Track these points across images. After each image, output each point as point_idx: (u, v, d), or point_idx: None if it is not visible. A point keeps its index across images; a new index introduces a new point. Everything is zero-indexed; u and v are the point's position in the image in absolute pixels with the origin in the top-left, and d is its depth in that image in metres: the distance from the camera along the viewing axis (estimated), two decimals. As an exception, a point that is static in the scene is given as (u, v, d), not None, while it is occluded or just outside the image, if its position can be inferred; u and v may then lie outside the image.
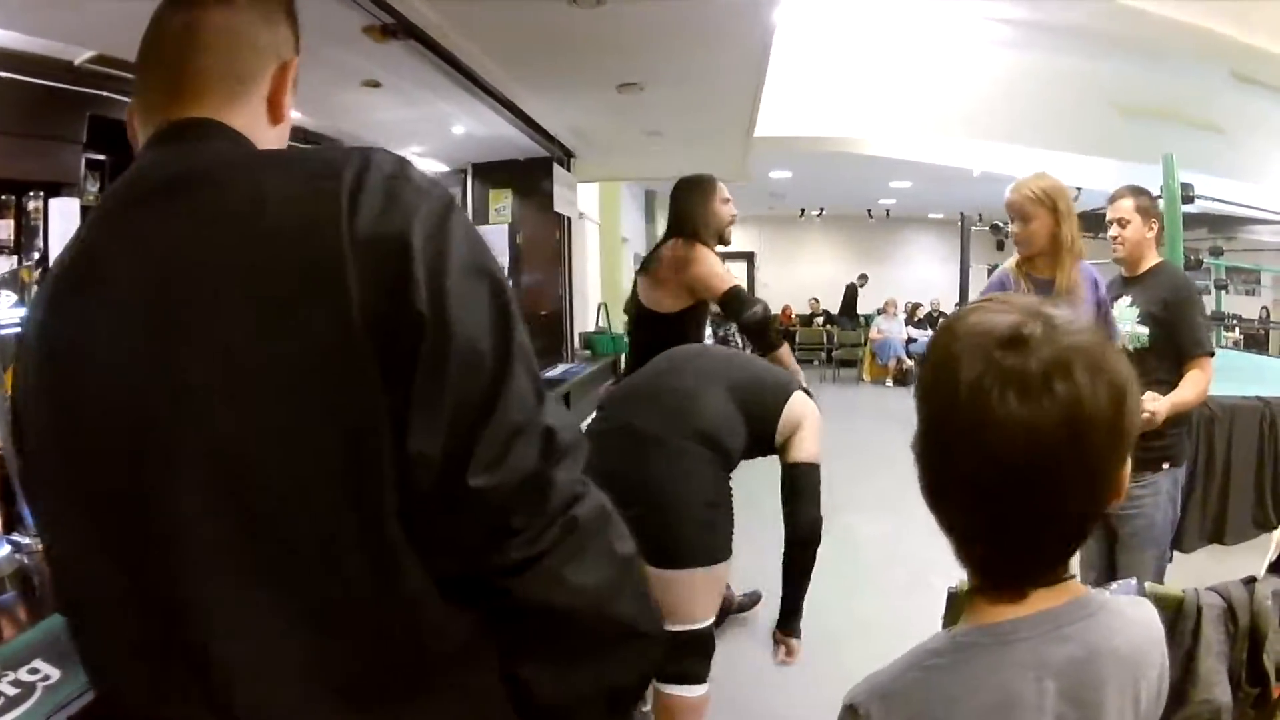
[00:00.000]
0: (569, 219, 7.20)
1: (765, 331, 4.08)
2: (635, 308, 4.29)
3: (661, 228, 15.94)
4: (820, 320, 20.95)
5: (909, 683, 1.08)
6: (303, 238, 0.91)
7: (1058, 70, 10.90)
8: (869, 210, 20.24)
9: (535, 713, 1.00)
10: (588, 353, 7.48)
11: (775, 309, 16.34)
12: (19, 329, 1.19)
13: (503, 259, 7.07)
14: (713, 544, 2.87)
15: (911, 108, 11.55)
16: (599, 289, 10.33)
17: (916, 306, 19.14)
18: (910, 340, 17.37)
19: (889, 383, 16.68)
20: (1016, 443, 0.96)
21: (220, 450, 0.91)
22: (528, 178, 6.89)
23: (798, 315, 21.47)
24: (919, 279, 21.52)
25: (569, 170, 7.02)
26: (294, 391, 0.90)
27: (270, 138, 1.15)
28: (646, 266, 4.19)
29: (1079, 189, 14.09)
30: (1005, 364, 0.97)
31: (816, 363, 18.43)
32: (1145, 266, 3.68)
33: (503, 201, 7.12)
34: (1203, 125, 11.46)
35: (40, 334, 1.06)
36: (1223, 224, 16.52)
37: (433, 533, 0.92)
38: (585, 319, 8.41)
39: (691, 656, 2.88)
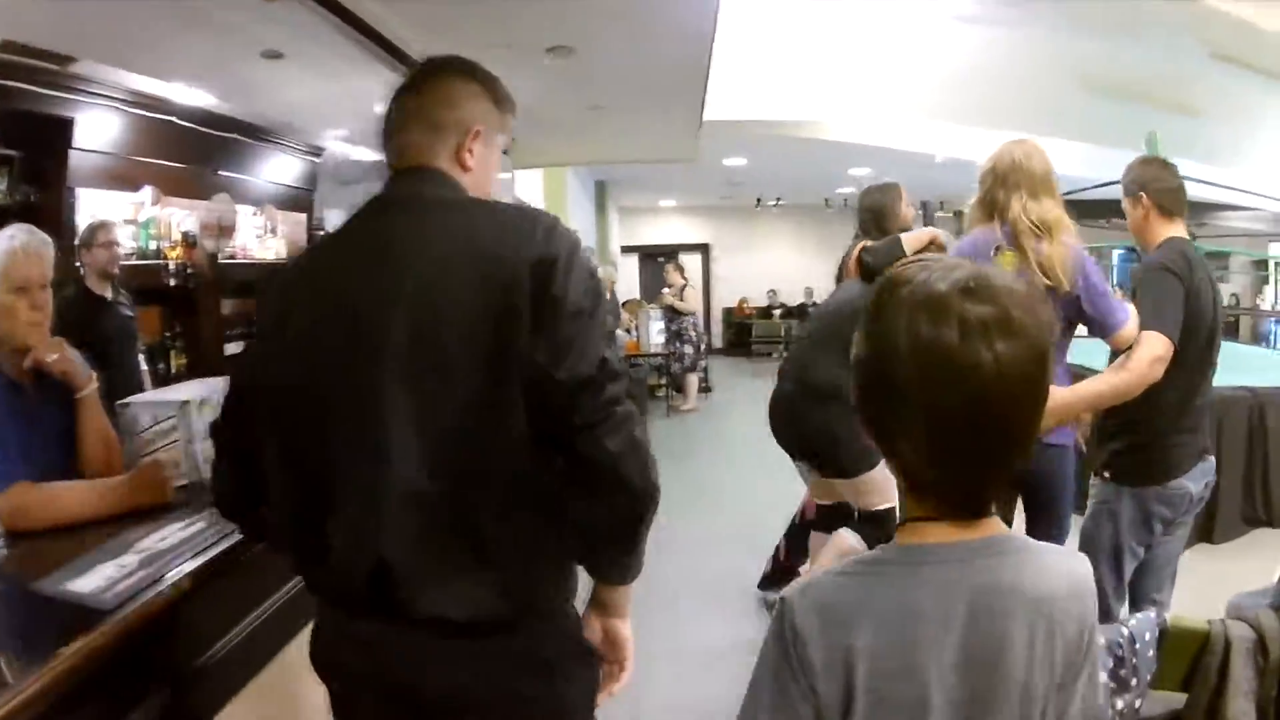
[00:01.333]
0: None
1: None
2: None
3: (613, 219, 15.36)
4: (778, 313, 20.80)
5: (828, 584, 1.24)
6: (501, 247, 1.65)
7: (1025, 49, 10.51)
8: (826, 199, 19.78)
9: (582, 530, 1.71)
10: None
11: (731, 301, 15.95)
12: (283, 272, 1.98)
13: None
14: (861, 459, 4.08)
15: (872, 90, 11.08)
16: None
17: (877, 295, 18.82)
18: (870, 330, 17.08)
19: (852, 374, 16.35)
20: (990, 378, 1.10)
21: (414, 353, 1.61)
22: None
23: (755, 308, 21.39)
24: (879, 268, 21.20)
25: (505, 153, 6.51)
26: (474, 320, 1.61)
27: (466, 180, 1.82)
28: (844, 265, 4.75)
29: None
30: (972, 312, 1.11)
31: (775, 356, 18.01)
32: (1153, 250, 3.39)
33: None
34: (1176, 107, 11.08)
35: (322, 271, 1.81)
36: (1194, 210, 16.22)
37: (540, 401, 1.61)
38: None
39: (871, 525, 4.31)
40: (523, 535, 1.67)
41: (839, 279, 4.86)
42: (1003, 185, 3.24)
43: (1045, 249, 3.11)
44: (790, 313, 20.64)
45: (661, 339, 12.98)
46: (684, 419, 12.34)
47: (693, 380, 12.97)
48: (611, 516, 1.68)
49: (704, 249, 22.13)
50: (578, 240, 1.73)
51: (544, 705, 1.76)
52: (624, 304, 12.94)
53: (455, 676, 1.68)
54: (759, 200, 19.93)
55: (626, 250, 20.13)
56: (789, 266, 21.56)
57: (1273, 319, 17.21)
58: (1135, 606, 3.52)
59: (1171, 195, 3.45)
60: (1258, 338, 16.75)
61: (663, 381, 13.20)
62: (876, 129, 11.91)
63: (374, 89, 4.93)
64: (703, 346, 13.33)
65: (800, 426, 4.31)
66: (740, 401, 13.49)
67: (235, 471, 1.89)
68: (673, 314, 12.84)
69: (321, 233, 7.48)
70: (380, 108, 4.92)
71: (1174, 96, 10.99)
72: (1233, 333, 16.64)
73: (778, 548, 5.24)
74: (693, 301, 12.98)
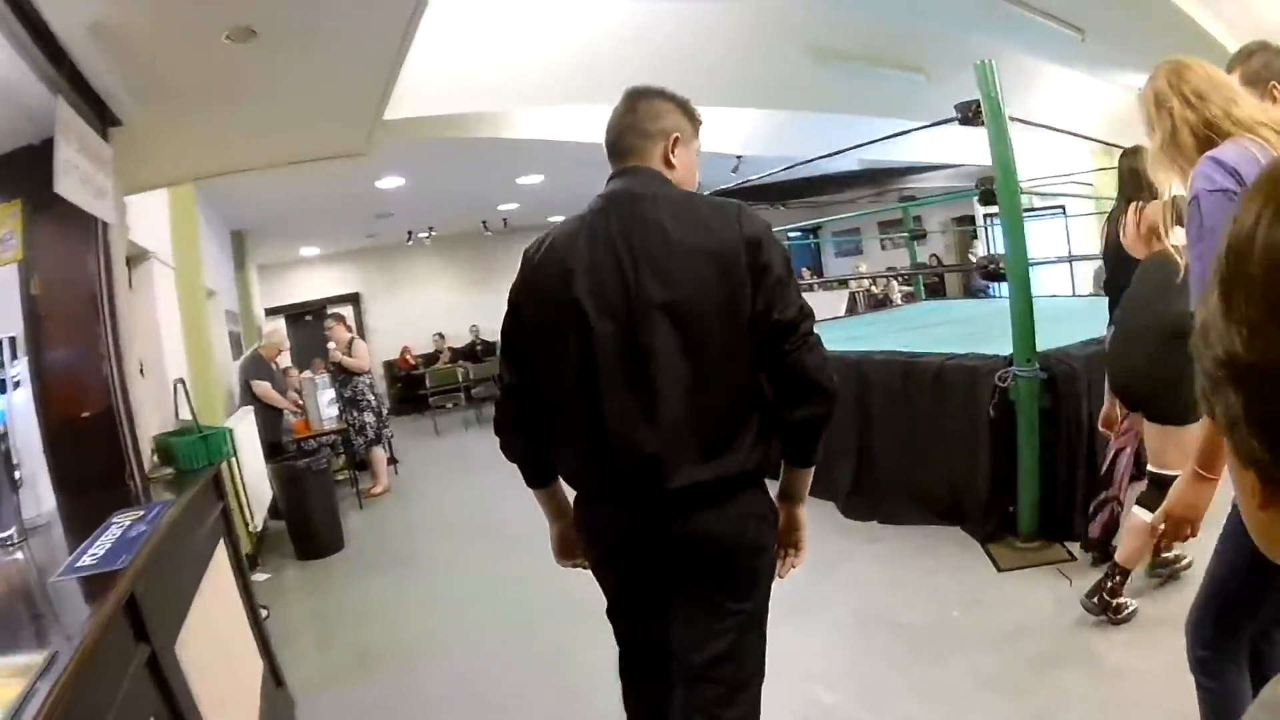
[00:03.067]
0: (104, 231, 3.92)
1: None
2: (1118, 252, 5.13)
3: (253, 274, 12.31)
4: (446, 357, 18.61)
5: None
6: (723, 231, 2.36)
7: (736, 11, 8.88)
8: (484, 222, 17.74)
9: (784, 426, 2.46)
10: (168, 471, 4.14)
11: (392, 354, 17.20)
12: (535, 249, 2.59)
13: (12, 321, 3.75)
14: (1190, 409, 3.79)
15: (550, 73, 8.98)
16: (181, 361, 7.00)
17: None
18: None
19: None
20: None
21: (676, 309, 2.33)
22: (48, 177, 3.26)
23: (419, 356, 19.06)
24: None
25: (105, 139, 3.95)
26: (715, 284, 2.32)
27: (673, 176, 2.56)
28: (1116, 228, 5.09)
29: (739, 158, 12.10)
30: None
31: (453, 406, 15.54)
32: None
33: (7, 226, 3.75)
34: (907, 67, 10.29)
35: (573, 249, 2.47)
36: (883, 177, 15.81)
37: (763, 333, 2.35)
38: (164, 409, 5.18)
39: (1157, 493, 4.21)
40: (748, 430, 2.43)
41: (1108, 245, 5.27)
42: (1210, 99, 2.59)
43: None
44: (460, 355, 18.66)
45: (334, 410, 10.17)
46: (380, 507, 9.87)
47: (380, 455, 10.51)
48: (811, 412, 2.42)
49: (354, 299, 19.70)
50: (766, 222, 2.49)
51: (759, 546, 2.56)
52: (284, 371, 10.28)
53: (702, 525, 2.44)
54: (410, 234, 17.67)
55: (270, 312, 17.05)
56: (452, 304, 19.70)
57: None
58: None
59: None
60: (970, 292, 17.33)
61: (343, 466, 10.67)
62: (558, 120, 9.91)
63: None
64: (384, 411, 10.88)
65: (1149, 366, 4.35)
66: (434, 470, 11.65)
67: (518, 399, 2.64)
68: (343, 376, 10.25)
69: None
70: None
71: (902, 57, 10.09)
72: (940, 291, 18.23)
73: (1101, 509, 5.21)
74: (364, 357, 10.44)
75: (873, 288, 17.24)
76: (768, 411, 2.46)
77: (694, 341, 2.34)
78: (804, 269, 20.16)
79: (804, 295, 2.79)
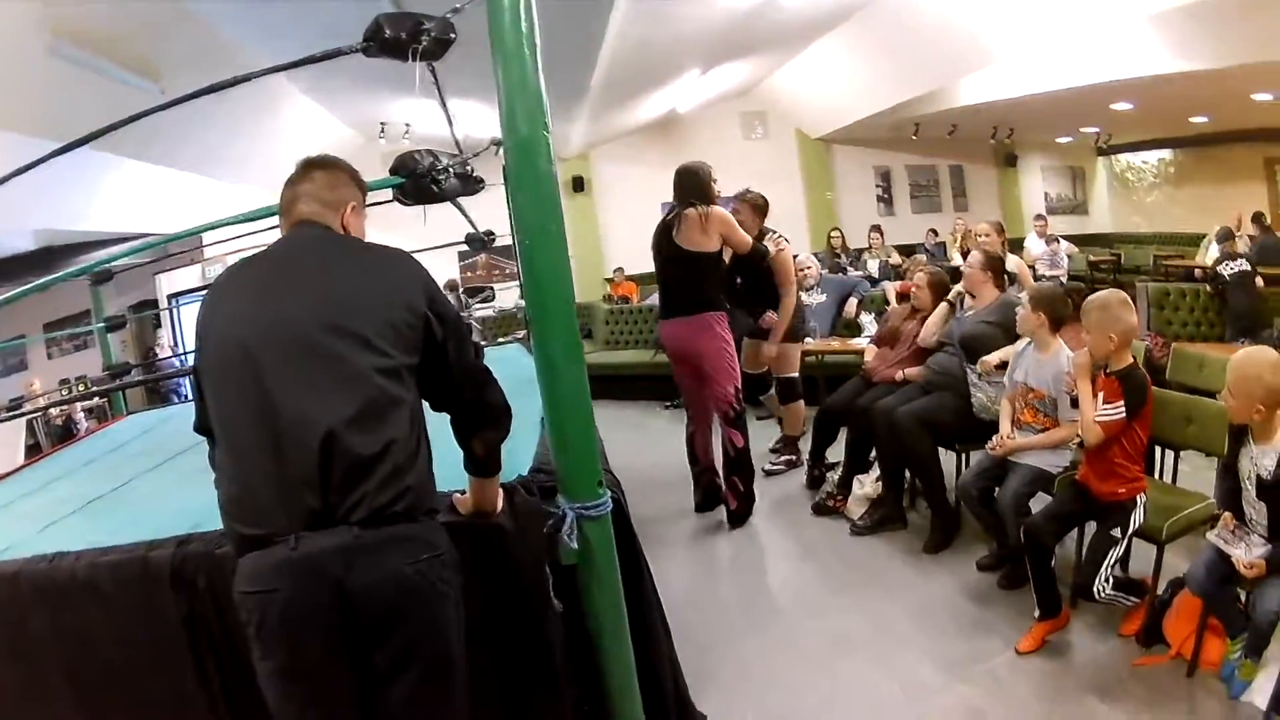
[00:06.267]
0: None
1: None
2: (673, 251, 6.17)
3: None
4: None
5: None
6: (395, 274, 2.47)
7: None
8: None
9: (467, 452, 2.67)
10: None
11: None
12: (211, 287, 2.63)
13: None
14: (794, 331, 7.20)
15: None
16: None
17: None
18: None
19: None
20: None
21: (346, 338, 2.30)
22: None
23: None
24: None
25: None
26: (393, 320, 2.37)
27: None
28: (677, 226, 6.14)
29: None
30: None
31: None
32: None
33: None
34: (141, 69, 7.69)
35: (225, 290, 2.50)
36: (65, 256, 11.77)
37: (439, 376, 2.48)
38: None
39: (787, 390, 7.49)
40: (413, 461, 2.38)
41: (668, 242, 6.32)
42: None
43: None
44: None
45: None
46: None
47: None
48: (492, 434, 2.65)
49: None
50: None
51: (437, 589, 2.37)
52: None
53: (376, 566, 2.22)
54: None
55: None
56: None
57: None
58: None
59: None
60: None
61: None
62: None
63: None
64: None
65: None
66: None
67: (209, 439, 2.51)
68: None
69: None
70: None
71: (142, 52, 7.51)
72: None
73: (728, 487, 6.30)
74: None
75: (54, 411, 12.79)
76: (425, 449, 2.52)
77: (348, 378, 2.32)
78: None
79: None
